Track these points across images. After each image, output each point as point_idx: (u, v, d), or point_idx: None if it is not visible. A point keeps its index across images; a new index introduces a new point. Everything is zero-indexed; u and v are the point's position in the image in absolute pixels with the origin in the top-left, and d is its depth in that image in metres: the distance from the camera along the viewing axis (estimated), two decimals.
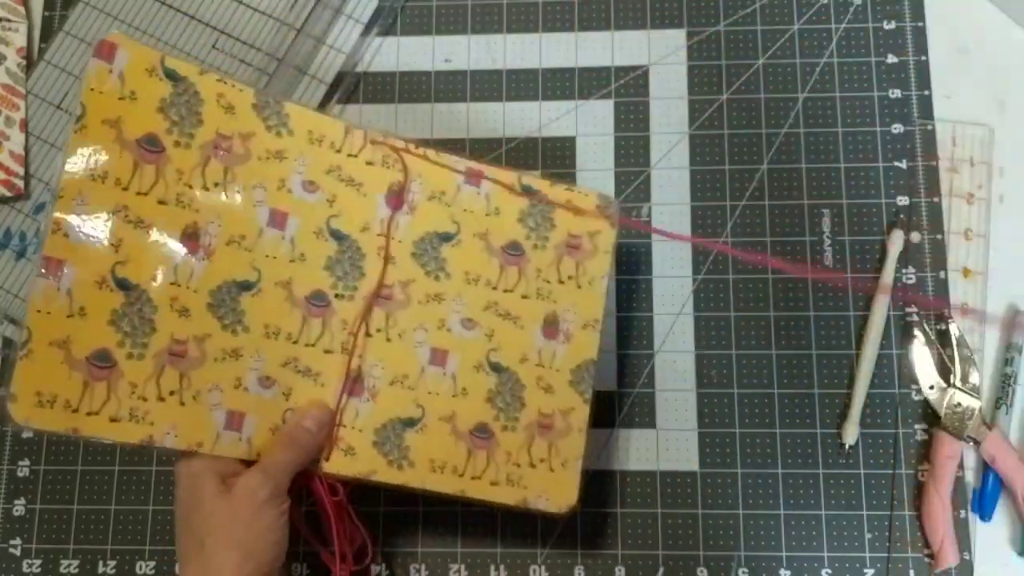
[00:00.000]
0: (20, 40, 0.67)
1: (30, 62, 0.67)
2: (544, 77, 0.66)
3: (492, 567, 0.59)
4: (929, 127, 0.63)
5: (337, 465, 0.51)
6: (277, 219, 0.51)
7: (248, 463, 0.50)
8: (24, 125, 0.65)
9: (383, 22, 0.67)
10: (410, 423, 0.52)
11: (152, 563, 0.60)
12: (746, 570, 0.58)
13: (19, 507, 0.61)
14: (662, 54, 0.66)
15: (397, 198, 0.53)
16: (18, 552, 0.61)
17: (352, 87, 0.67)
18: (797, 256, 0.62)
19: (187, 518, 0.48)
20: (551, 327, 0.54)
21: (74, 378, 0.47)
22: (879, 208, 0.62)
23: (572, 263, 0.55)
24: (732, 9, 0.66)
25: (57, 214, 0.47)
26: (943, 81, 0.64)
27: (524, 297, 0.54)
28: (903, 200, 0.62)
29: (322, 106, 0.65)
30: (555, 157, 0.65)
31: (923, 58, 0.64)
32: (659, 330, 0.62)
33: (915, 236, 0.62)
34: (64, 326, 0.47)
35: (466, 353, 0.53)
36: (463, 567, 0.59)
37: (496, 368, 0.53)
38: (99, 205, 0.48)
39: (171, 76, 0.49)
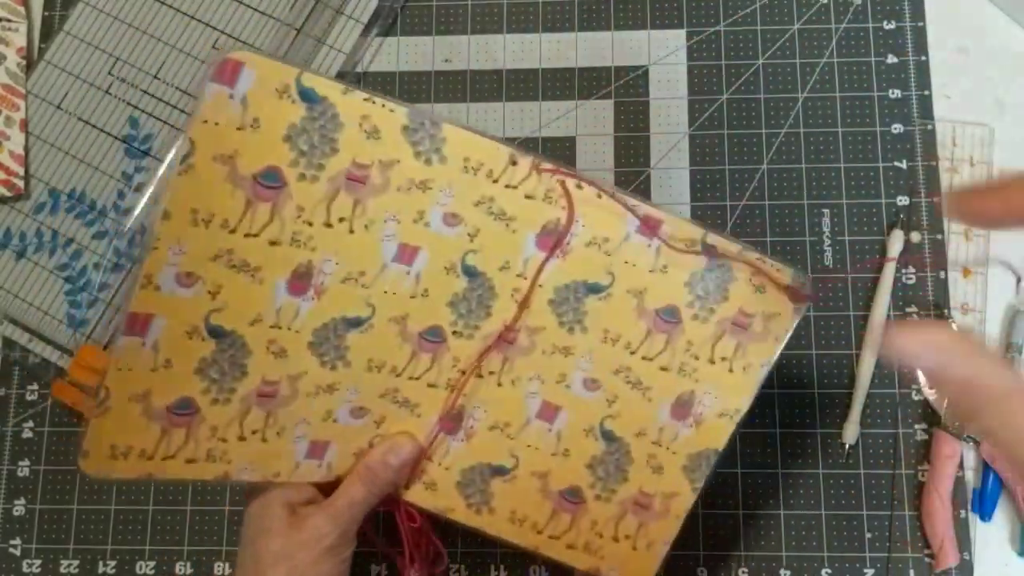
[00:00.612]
0: (20, 40, 0.67)
1: (30, 62, 0.67)
2: (544, 77, 0.66)
3: (492, 567, 0.59)
4: (929, 127, 0.63)
5: (415, 496, 0.49)
6: (405, 254, 0.44)
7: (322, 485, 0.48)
8: (24, 125, 0.65)
9: (383, 22, 0.67)
10: (500, 471, 0.49)
11: (152, 563, 0.60)
12: (746, 570, 0.58)
13: (19, 507, 0.61)
14: (662, 54, 0.66)
15: (551, 239, 0.45)
16: (18, 552, 0.61)
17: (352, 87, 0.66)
18: (797, 256, 0.62)
19: (253, 541, 0.47)
20: (682, 407, 0.47)
21: (151, 428, 0.43)
22: (879, 208, 0.62)
23: (732, 343, 0.46)
24: (732, 9, 0.66)
25: (149, 266, 0.40)
26: (943, 81, 0.64)
27: (663, 369, 0.47)
28: (903, 200, 0.62)
29: None
30: (555, 157, 0.64)
31: (923, 58, 0.64)
32: None
33: (915, 236, 0.62)
34: (146, 380, 0.42)
35: (579, 414, 0.48)
36: (463, 567, 0.59)
37: (608, 436, 0.48)
38: (200, 252, 0.41)
39: (306, 97, 0.42)
